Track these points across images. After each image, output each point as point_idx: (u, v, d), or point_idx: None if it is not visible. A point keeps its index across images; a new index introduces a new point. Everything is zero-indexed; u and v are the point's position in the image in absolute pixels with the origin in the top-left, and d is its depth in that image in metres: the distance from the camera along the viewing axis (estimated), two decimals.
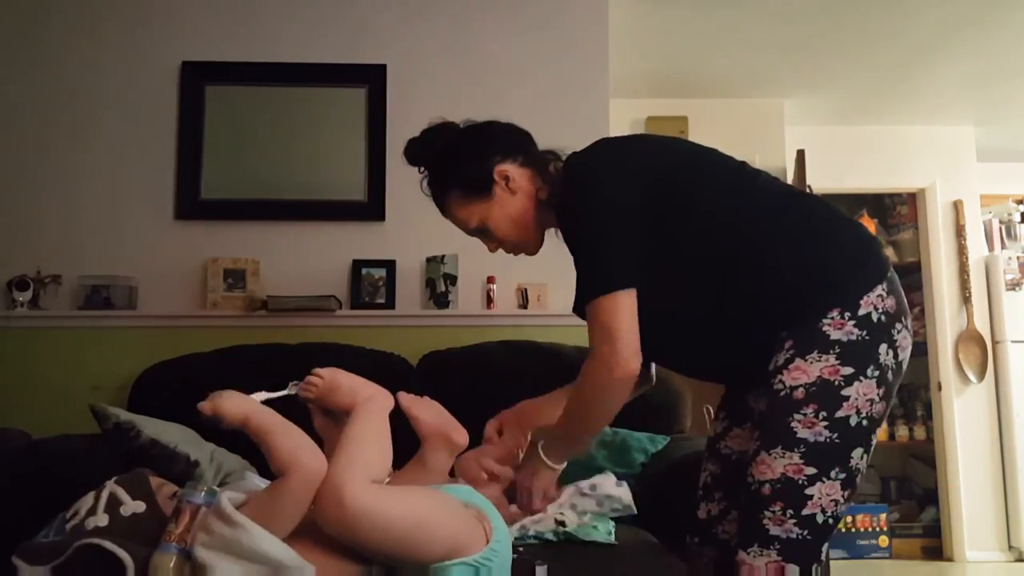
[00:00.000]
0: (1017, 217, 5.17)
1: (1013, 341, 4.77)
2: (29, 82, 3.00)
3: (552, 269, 2.87)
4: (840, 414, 1.39)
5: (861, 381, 1.40)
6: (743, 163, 1.59)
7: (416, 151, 1.71)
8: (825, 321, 1.41)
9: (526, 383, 2.51)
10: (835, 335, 1.40)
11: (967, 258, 4.92)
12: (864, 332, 1.41)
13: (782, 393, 1.41)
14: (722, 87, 4.30)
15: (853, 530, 4.88)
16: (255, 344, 2.66)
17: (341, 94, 3.05)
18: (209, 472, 2.04)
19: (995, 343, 4.85)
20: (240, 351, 2.62)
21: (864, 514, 4.91)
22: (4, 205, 2.92)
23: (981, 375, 4.81)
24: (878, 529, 4.91)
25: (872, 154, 4.97)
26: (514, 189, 1.62)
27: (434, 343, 2.72)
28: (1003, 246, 5.11)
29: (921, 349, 5.00)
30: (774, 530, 1.39)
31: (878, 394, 1.41)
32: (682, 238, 1.49)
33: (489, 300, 2.92)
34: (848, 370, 1.39)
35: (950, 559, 4.74)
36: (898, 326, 1.44)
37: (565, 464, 1.60)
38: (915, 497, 5.27)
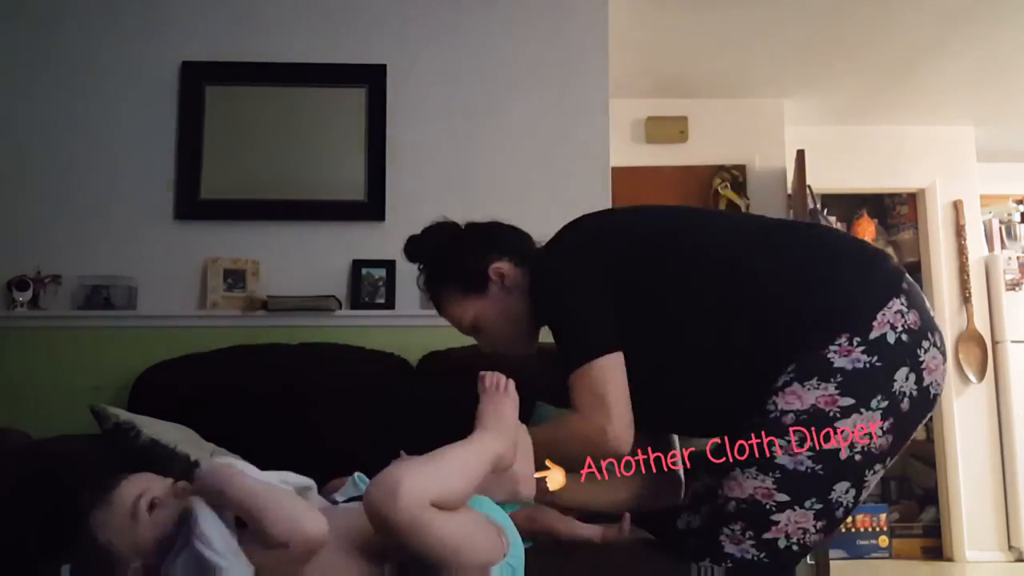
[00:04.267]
0: (1017, 217, 5.17)
1: (1013, 341, 4.77)
2: (29, 82, 2.99)
3: None
4: (829, 446, 1.31)
5: (861, 413, 1.31)
6: (723, 211, 1.58)
7: (415, 247, 1.73)
8: (832, 348, 1.33)
9: (526, 383, 2.52)
10: (839, 363, 1.32)
11: (967, 258, 4.92)
12: (874, 358, 1.32)
13: (771, 415, 1.35)
14: (722, 87, 4.30)
15: (853, 530, 4.88)
16: (255, 344, 2.66)
17: (341, 94, 3.04)
18: None
19: (995, 343, 4.85)
20: (240, 351, 2.62)
21: (864, 514, 4.91)
22: (4, 205, 2.92)
23: (981, 375, 4.81)
24: (878, 529, 4.91)
25: (872, 154, 4.97)
26: (509, 287, 1.62)
27: (434, 343, 2.72)
28: (1003, 246, 5.11)
29: None
30: (729, 548, 1.35)
31: (882, 427, 1.32)
32: (664, 298, 1.45)
33: None
34: (847, 401, 1.31)
35: (950, 559, 4.74)
36: (925, 344, 1.35)
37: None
38: (915, 497, 5.27)
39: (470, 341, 2.74)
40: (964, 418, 4.80)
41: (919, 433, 5.05)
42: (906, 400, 1.33)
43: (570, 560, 1.60)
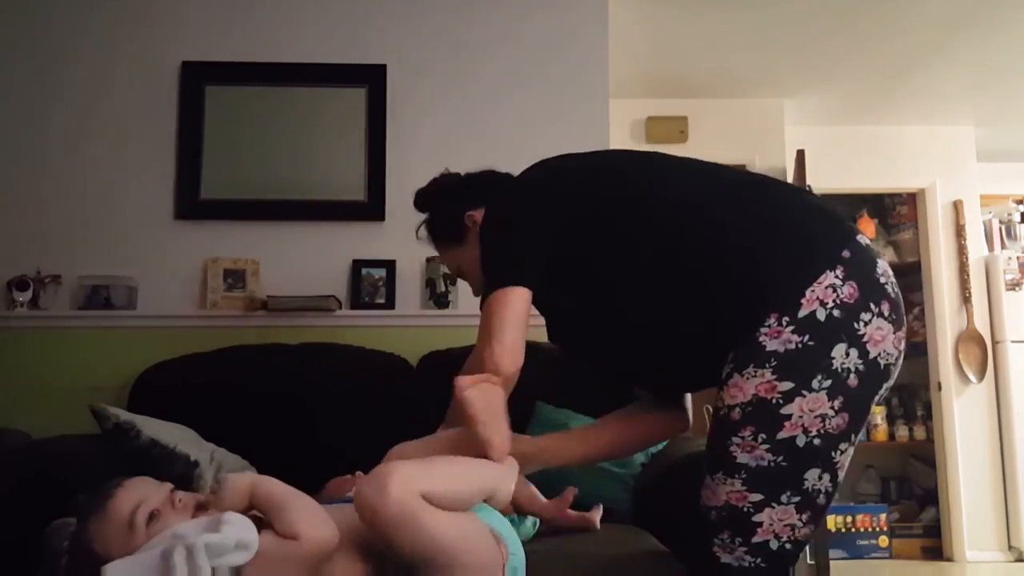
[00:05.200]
0: (1017, 217, 5.17)
1: (1013, 341, 4.77)
2: (29, 82, 2.99)
3: None
4: (782, 435, 1.25)
5: (804, 396, 1.25)
6: (687, 159, 1.50)
7: (418, 199, 1.78)
8: (762, 331, 1.27)
9: (526, 383, 2.52)
10: (771, 345, 1.26)
11: (967, 258, 4.92)
12: (805, 338, 1.24)
13: (721, 412, 1.31)
14: (722, 87, 4.30)
15: (853, 530, 4.89)
16: (255, 344, 2.66)
17: (341, 94, 3.04)
18: (209, 472, 2.04)
19: (995, 343, 4.85)
20: (240, 351, 2.62)
21: (864, 514, 4.92)
22: (4, 205, 2.92)
23: (981, 375, 4.81)
24: (878, 529, 4.91)
25: (872, 154, 4.97)
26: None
27: (434, 343, 2.72)
28: (1003, 246, 5.11)
29: (921, 349, 5.01)
30: (725, 558, 1.31)
31: (833, 407, 1.25)
32: (612, 246, 1.42)
33: None
34: (787, 385, 1.25)
35: (950, 559, 4.74)
36: (865, 316, 1.25)
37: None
38: (915, 497, 5.27)
39: (470, 341, 2.75)
40: (964, 418, 4.80)
41: (919, 433, 5.01)
42: (852, 376, 1.26)
43: (575, 569, 1.60)
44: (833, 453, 1.28)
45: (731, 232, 1.35)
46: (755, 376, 1.26)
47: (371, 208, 2.97)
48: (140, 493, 1.28)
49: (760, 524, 1.28)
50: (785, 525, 1.29)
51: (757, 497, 1.28)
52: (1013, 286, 4.84)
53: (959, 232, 4.96)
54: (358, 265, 2.93)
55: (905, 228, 5.48)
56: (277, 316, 2.82)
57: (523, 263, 1.44)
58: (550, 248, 1.44)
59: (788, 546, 1.30)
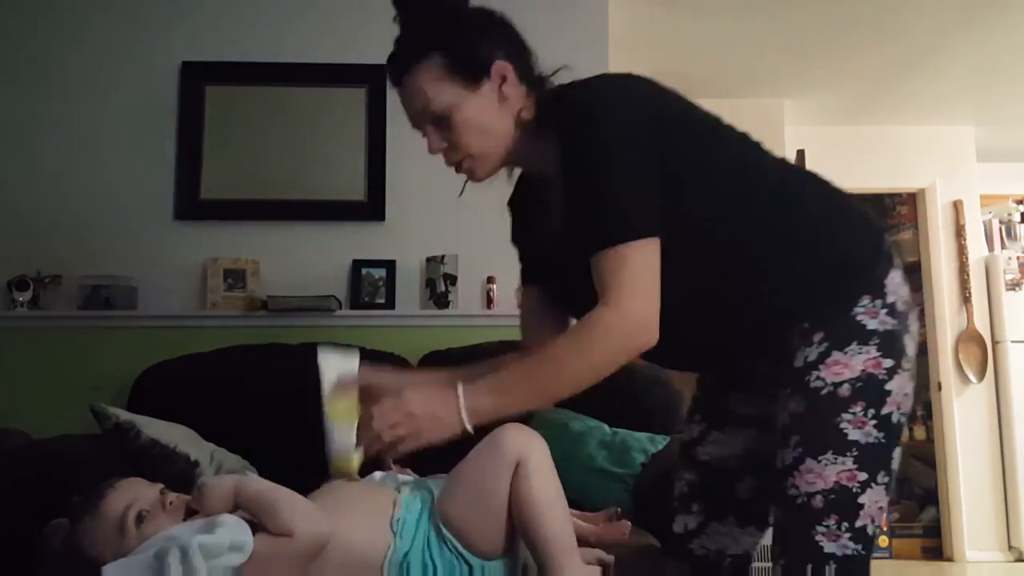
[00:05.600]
0: (1017, 217, 5.17)
1: (1013, 341, 4.77)
2: (29, 82, 2.99)
3: None
4: (885, 411, 1.26)
5: (899, 374, 1.27)
6: (745, 133, 1.41)
7: None
8: (858, 309, 1.27)
9: None
10: (871, 324, 1.27)
11: (967, 258, 4.92)
12: (896, 322, 1.28)
13: (824, 391, 1.26)
14: (722, 87, 4.30)
15: None
16: (255, 344, 2.66)
17: (341, 94, 3.05)
18: (209, 472, 2.04)
19: (995, 343, 4.85)
20: (240, 351, 2.62)
21: None
22: (4, 205, 2.92)
23: (981, 375, 4.81)
24: (878, 529, 4.91)
25: (872, 154, 4.97)
26: (506, 95, 1.33)
27: (434, 343, 2.72)
28: (1003, 246, 5.11)
29: (921, 349, 4.99)
30: (829, 547, 1.24)
31: (911, 389, 1.30)
32: (691, 195, 1.28)
33: (489, 300, 2.92)
34: (889, 362, 1.27)
35: (950, 559, 4.75)
36: (912, 317, 1.33)
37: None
38: (915, 497, 5.27)
39: (470, 341, 2.76)
40: (964, 418, 4.80)
41: (919, 433, 5.02)
42: (913, 366, 1.32)
43: None
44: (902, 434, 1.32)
45: (814, 212, 1.34)
46: (860, 352, 1.26)
47: (371, 208, 2.97)
48: (130, 494, 1.28)
49: (863, 507, 1.25)
50: (879, 508, 1.27)
51: (863, 476, 1.25)
52: (1013, 286, 4.84)
53: (959, 232, 4.96)
54: (358, 265, 2.93)
55: (905, 228, 5.48)
56: (277, 316, 2.82)
57: (649, 204, 1.24)
58: (654, 184, 1.26)
59: (876, 532, 1.29)
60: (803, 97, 4.47)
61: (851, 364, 1.26)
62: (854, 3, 3.53)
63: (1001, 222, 5.16)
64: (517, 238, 1.62)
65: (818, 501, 1.24)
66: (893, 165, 5.01)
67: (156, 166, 2.97)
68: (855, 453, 1.25)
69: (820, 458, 1.25)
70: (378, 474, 1.62)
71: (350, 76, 3.03)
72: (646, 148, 1.26)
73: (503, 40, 1.37)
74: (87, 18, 3.04)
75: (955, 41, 3.87)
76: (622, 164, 1.25)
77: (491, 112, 1.33)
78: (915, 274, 5.08)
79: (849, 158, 4.90)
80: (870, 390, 1.26)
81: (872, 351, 1.26)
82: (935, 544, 4.90)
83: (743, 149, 1.37)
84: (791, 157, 4.32)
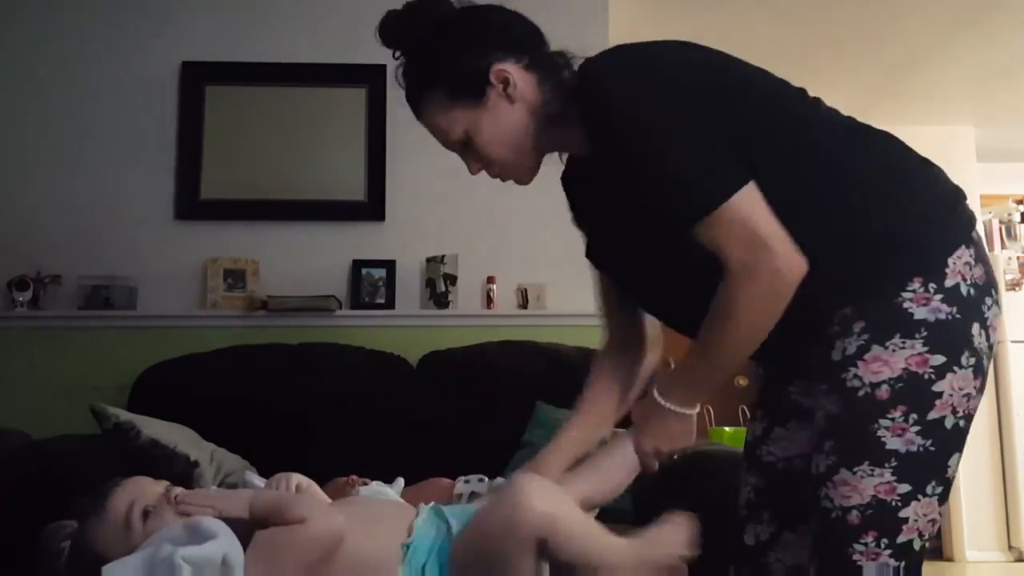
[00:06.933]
0: (1017, 217, 5.16)
1: (1013, 341, 4.76)
2: (29, 82, 2.99)
3: (552, 269, 2.88)
4: (933, 416, 1.12)
5: (955, 372, 1.12)
6: (802, 90, 1.29)
7: (395, 29, 1.33)
8: (905, 295, 1.13)
9: (526, 383, 2.53)
10: (920, 313, 1.12)
11: None
12: (955, 309, 1.13)
13: (860, 392, 1.13)
14: None
15: None
16: (255, 344, 2.66)
17: (341, 94, 3.05)
18: (209, 472, 2.03)
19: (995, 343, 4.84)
20: (240, 351, 2.62)
21: None
22: (4, 205, 2.92)
23: None
24: (928, 543, 4.90)
25: None
26: (513, 96, 1.27)
27: (434, 343, 2.72)
28: (1003, 246, 5.10)
29: None
30: (868, 567, 1.13)
31: (975, 386, 1.15)
32: (752, 146, 1.17)
33: (489, 300, 2.92)
34: (939, 359, 1.12)
35: (950, 559, 4.74)
36: (988, 301, 1.16)
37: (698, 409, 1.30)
38: None
39: (470, 341, 2.76)
40: None
41: None
42: (984, 358, 1.16)
43: None
44: (966, 437, 1.18)
45: (869, 175, 1.19)
46: (903, 348, 1.11)
47: (371, 208, 2.97)
48: (135, 491, 1.29)
49: (906, 520, 1.13)
50: (928, 520, 1.15)
51: (905, 488, 1.12)
52: (1013, 286, 4.83)
53: None
54: (358, 265, 2.93)
55: None
56: (277, 316, 2.82)
57: (726, 155, 1.14)
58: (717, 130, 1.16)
59: (927, 545, 1.17)
60: None
61: (892, 361, 1.12)
62: (854, 4, 3.54)
63: (1001, 222, 5.15)
64: (577, 221, 1.50)
65: (854, 517, 1.13)
66: None
67: (156, 166, 2.97)
68: (894, 464, 1.12)
69: (855, 469, 1.13)
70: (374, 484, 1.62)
71: (350, 76, 3.03)
72: (695, 104, 1.16)
73: (496, 40, 1.29)
74: (87, 18, 3.04)
75: (955, 42, 3.87)
76: (672, 128, 1.15)
77: (506, 119, 1.28)
78: None
79: None
80: (912, 392, 1.12)
81: (918, 346, 1.12)
82: (935, 544, 4.89)
83: (789, 103, 1.25)
84: None
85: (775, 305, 1.13)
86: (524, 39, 1.33)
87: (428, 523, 1.31)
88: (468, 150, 1.32)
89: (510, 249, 2.97)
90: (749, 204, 1.12)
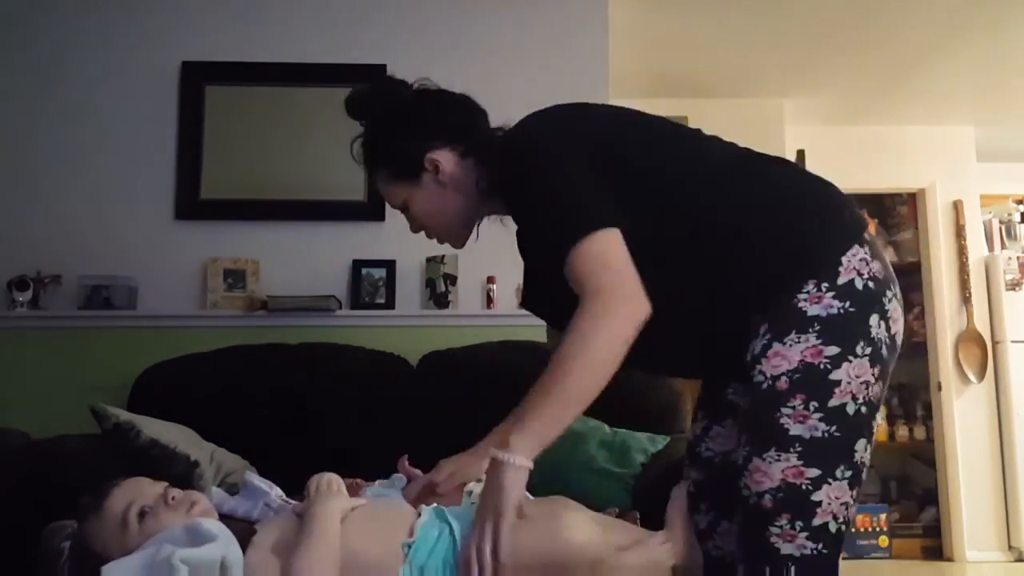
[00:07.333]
0: (1017, 217, 5.17)
1: (1013, 341, 4.76)
2: (29, 82, 3.00)
3: None
4: (834, 403, 1.21)
5: (851, 361, 1.21)
6: (696, 130, 1.44)
7: (360, 105, 1.55)
8: (800, 296, 1.23)
9: (526, 383, 2.52)
10: (813, 310, 1.22)
11: (967, 258, 4.92)
12: (847, 303, 1.22)
13: (764, 385, 1.23)
14: (722, 87, 4.30)
15: (853, 530, 4.88)
16: (255, 344, 2.66)
17: (341, 94, 3.00)
18: (209, 472, 2.03)
19: (995, 343, 4.85)
20: (240, 351, 2.62)
21: (864, 514, 4.92)
22: (4, 205, 2.92)
23: (981, 375, 4.81)
24: (878, 529, 4.91)
25: (872, 154, 4.97)
26: (443, 181, 1.46)
27: (434, 343, 2.72)
28: (1003, 246, 5.11)
29: (921, 349, 5.01)
30: (786, 548, 1.21)
31: (873, 374, 1.23)
32: (626, 213, 1.29)
33: (489, 300, 2.92)
34: (833, 350, 1.21)
35: (950, 559, 4.74)
36: (888, 294, 1.26)
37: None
38: (915, 497, 5.27)
39: (470, 341, 2.76)
40: (964, 418, 4.80)
41: (919, 433, 5.00)
42: (883, 347, 1.25)
43: None
44: (873, 423, 1.26)
45: (757, 199, 1.31)
46: (799, 342, 1.22)
47: (371, 208, 2.97)
48: (134, 491, 1.30)
49: (819, 504, 1.21)
50: (841, 504, 1.22)
51: (814, 472, 1.20)
52: (1013, 286, 4.83)
53: (959, 232, 4.96)
54: (358, 265, 2.93)
55: (905, 228, 5.48)
56: (277, 316, 2.82)
57: (601, 200, 1.28)
58: (602, 187, 1.30)
59: (843, 527, 1.24)
60: (803, 97, 4.47)
61: (788, 355, 1.22)
62: (854, 3, 3.53)
63: (1001, 222, 5.16)
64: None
65: (767, 501, 1.22)
66: (893, 165, 5.00)
67: (156, 166, 2.97)
68: (799, 449, 1.21)
69: (764, 456, 1.22)
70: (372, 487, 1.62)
71: (350, 76, 3.02)
72: (575, 159, 1.31)
73: (435, 129, 1.48)
74: (87, 18, 3.04)
75: (955, 41, 3.87)
76: (553, 175, 1.31)
77: (437, 197, 1.48)
78: (915, 274, 5.08)
79: (849, 158, 4.89)
80: (809, 381, 1.21)
81: (812, 339, 1.22)
82: (935, 544, 4.90)
83: (681, 149, 1.38)
84: (791, 157, 4.32)
85: (617, 344, 1.23)
86: (462, 127, 1.50)
87: (430, 524, 1.32)
88: (408, 215, 1.53)
89: (510, 249, 2.96)
90: (608, 245, 1.25)
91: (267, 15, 3.08)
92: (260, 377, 2.53)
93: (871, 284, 1.25)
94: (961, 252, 4.94)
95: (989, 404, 4.81)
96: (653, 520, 1.98)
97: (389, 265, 2.93)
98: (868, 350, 1.23)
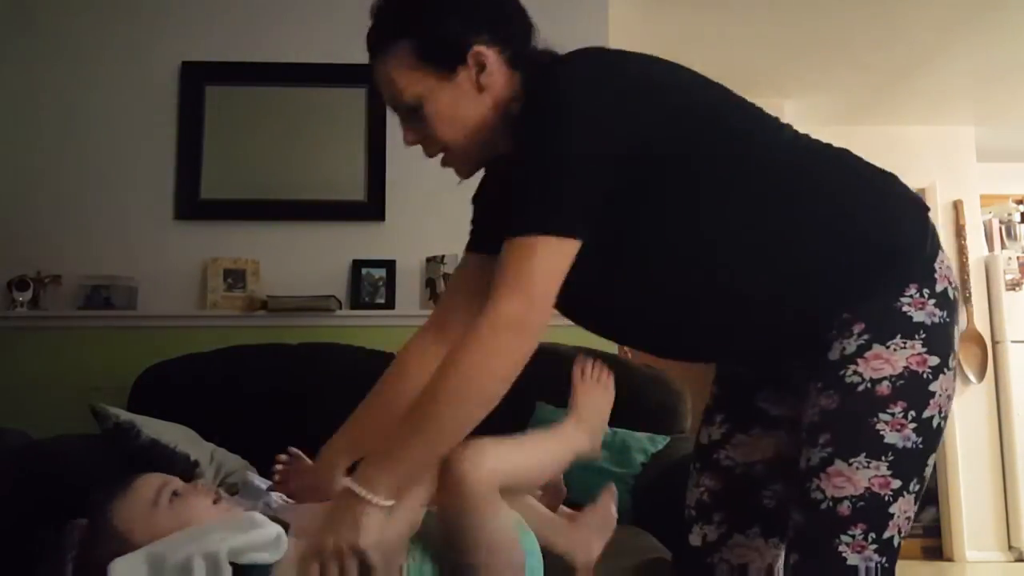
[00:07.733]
0: (1017, 217, 5.17)
1: (1013, 341, 4.76)
2: (29, 83, 3.00)
3: None
4: (926, 414, 1.14)
5: (945, 374, 1.16)
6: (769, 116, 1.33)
7: None
8: (904, 300, 1.15)
9: (526, 383, 2.52)
10: (918, 316, 1.15)
11: (967, 258, 4.92)
12: (944, 313, 1.16)
13: (860, 388, 1.14)
14: None
15: None
16: (255, 344, 2.66)
17: (341, 94, 3.05)
18: (209, 472, 2.04)
19: (995, 343, 4.85)
20: (240, 351, 2.62)
21: None
22: (4, 205, 2.92)
23: (981, 375, 4.80)
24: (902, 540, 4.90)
25: (872, 154, 4.83)
26: (484, 84, 1.21)
27: None
28: (1003, 246, 5.10)
29: None
30: (852, 558, 1.13)
31: (954, 388, 1.19)
32: (709, 174, 1.18)
33: None
34: (935, 360, 1.15)
35: (950, 559, 4.74)
36: (961, 305, 1.28)
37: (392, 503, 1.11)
38: None
39: None
40: (964, 418, 4.80)
41: None
42: (957, 363, 1.20)
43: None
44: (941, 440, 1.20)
45: (857, 186, 1.23)
46: (904, 348, 1.14)
47: (371, 208, 2.97)
48: (164, 477, 1.29)
49: (892, 516, 1.15)
50: (906, 517, 1.16)
51: (897, 484, 1.13)
52: (1013, 286, 4.83)
53: (959, 232, 4.96)
54: (358, 265, 2.94)
55: None
56: (277, 316, 2.82)
57: (580, 203, 1.13)
58: (611, 179, 1.14)
59: (900, 544, 1.19)
60: (803, 97, 4.47)
61: (893, 360, 1.14)
62: (855, 4, 3.54)
63: (1001, 222, 5.16)
64: (477, 201, 1.50)
65: (845, 508, 1.13)
66: (893, 165, 4.85)
67: (156, 166, 2.97)
68: (891, 458, 1.13)
69: (851, 461, 1.13)
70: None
71: (350, 76, 3.03)
72: (611, 137, 1.14)
73: (487, 20, 1.22)
74: (87, 18, 3.04)
75: (956, 42, 3.87)
76: (571, 151, 1.13)
77: (466, 102, 1.22)
78: None
79: None
80: (913, 389, 1.14)
81: (917, 346, 1.14)
82: (935, 544, 4.90)
83: (752, 130, 1.27)
84: None
85: (500, 387, 1.11)
86: (516, 31, 1.27)
87: (423, 560, 1.27)
88: (414, 118, 1.25)
89: None
90: (560, 259, 1.11)
91: (267, 15, 3.09)
92: (260, 377, 2.53)
93: (956, 295, 1.20)
94: (961, 252, 4.94)
95: (989, 404, 4.81)
96: (652, 521, 1.98)
97: (389, 265, 2.93)
98: (953, 363, 1.18)
